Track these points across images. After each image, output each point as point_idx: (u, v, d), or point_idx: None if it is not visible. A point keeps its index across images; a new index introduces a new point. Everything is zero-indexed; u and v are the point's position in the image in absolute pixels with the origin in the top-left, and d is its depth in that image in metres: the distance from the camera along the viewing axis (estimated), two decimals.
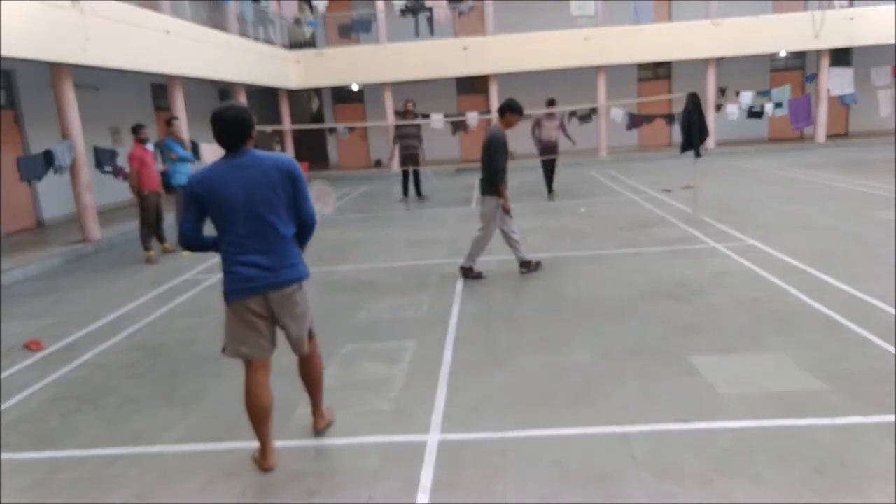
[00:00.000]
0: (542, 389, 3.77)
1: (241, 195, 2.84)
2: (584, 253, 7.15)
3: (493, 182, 6.10)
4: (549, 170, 11.59)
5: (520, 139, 19.91)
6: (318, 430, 3.38)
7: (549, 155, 11.54)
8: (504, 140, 6.11)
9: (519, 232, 6.53)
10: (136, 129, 8.42)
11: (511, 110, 6.04)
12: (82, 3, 8.95)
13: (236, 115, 2.87)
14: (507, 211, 6.21)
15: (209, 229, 2.98)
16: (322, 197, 4.01)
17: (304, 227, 3.05)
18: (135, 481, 3.08)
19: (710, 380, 3.73)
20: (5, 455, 3.43)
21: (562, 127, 11.71)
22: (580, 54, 18.16)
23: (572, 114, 17.61)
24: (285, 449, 3.28)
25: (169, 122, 9.24)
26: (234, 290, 2.93)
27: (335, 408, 3.71)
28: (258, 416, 3.03)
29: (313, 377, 3.32)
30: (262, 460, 3.09)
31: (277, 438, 3.37)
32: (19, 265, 8.06)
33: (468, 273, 6.34)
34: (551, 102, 11.60)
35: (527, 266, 6.41)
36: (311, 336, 3.25)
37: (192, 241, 3.00)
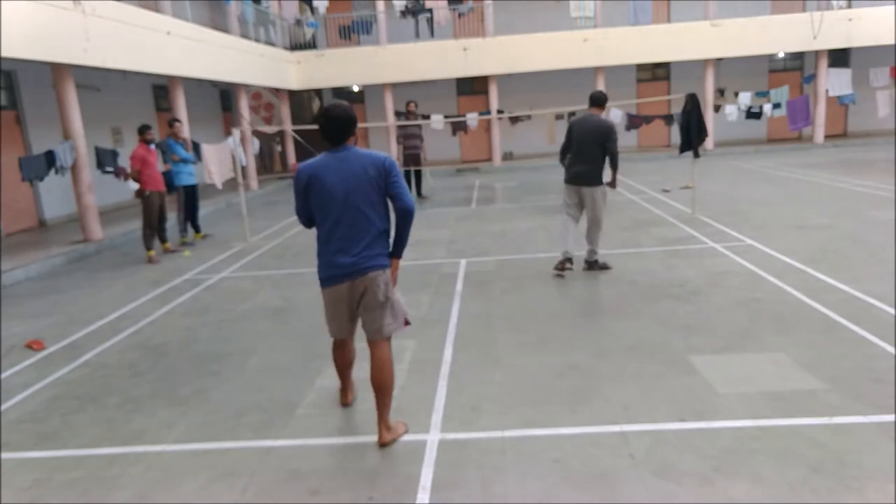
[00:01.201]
0: (542, 389, 3.78)
1: (339, 185, 3.09)
2: (583, 253, 7.15)
3: (600, 172, 6.10)
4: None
5: (519, 140, 20.10)
6: (384, 443, 3.22)
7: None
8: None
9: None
10: (143, 130, 8.46)
11: (601, 103, 6.31)
12: (83, 4, 8.97)
13: (344, 113, 3.13)
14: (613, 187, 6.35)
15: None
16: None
17: (404, 213, 3.16)
18: (135, 481, 3.09)
19: (709, 379, 3.74)
20: (6, 454, 3.44)
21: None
22: (579, 55, 18.19)
23: (571, 114, 17.62)
24: (285, 448, 3.29)
25: (171, 123, 9.28)
26: (327, 276, 3.22)
27: (335, 406, 3.72)
28: (342, 368, 3.60)
29: (382, 382, 3.24)
30: (343, 396, 3.72)
31: (278, 438, 3.40)
32: (21, 265, 8.07)
33: (594, 265, 6.38)
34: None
35: (592, 265, 6.42)
36: (396, 327, 3.32)
37: (310, 223, 3.27)
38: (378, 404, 3.24)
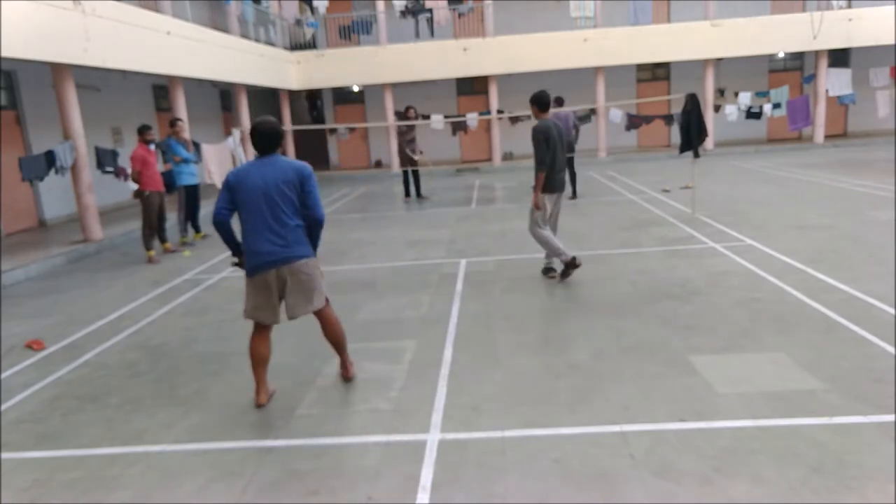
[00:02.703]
0: (542, 389, 3.78)
1: (259, 183, 3.55)
2: (583, 253, 7.15)
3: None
4: (571, 170, 11.12)
5: (519, 140, 20.08)
6: (348, 378, 4.02)
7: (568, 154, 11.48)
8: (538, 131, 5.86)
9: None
10: (142, 130, 8.46)
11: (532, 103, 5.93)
12: (83, 4, 8.97)
13: (271, 128, 3.63)
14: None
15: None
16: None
17: (313, 223, 3.68)
18: (135, 481, 3.09)
19: (709, 379, 3.74)
20: (6, 454, 3.44)
21: (575, 126, 11.68)
22: (579, 55, 18.19)
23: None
24: (286, 448, 3.29)
25: (172, 122, 9.28)
26: (253, 266, 3.62)
27: (335, 406, 3.73)
28: (258, 362, 3.78)
29: (337, 337, 3.94)
30: (257, 396, 3.78)
31: (278, 438, 3.40)
32: (21, 265, 8.06)
33: (550, 271, 6.31)
34: (559, 101, 11.60)
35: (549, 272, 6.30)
36: (326, 303, 3.84)
37: (222, 224, 3.61)
38: (339, 351, 4.02)
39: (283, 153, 3.80)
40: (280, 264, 3.60)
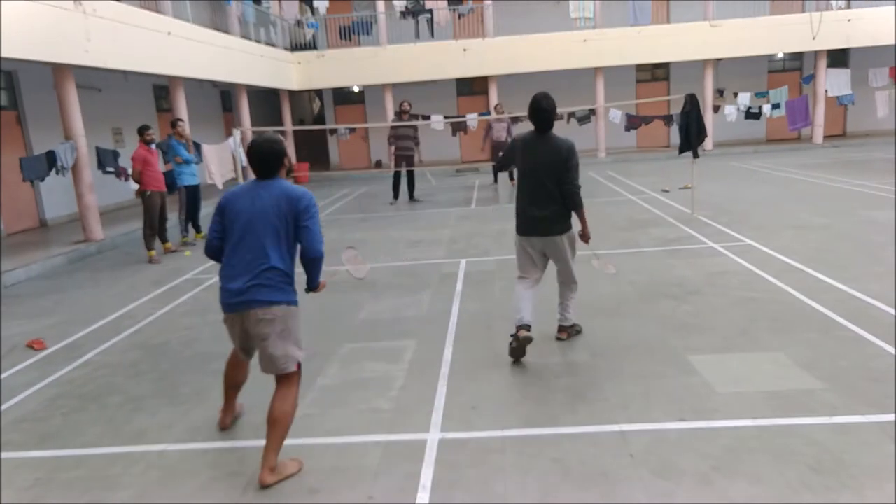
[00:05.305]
0: (542, 388, 3.79)
1: (247, 209, 3.00)
2: (582, 253, 7.16)
3: (568, 213, 4.29)
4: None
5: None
6: (265, 485, 2.92)
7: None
8: None
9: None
10: (142, 131, 8.47)
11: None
12: (84, 5, 8.98)
13: (270, 149, 3.06)
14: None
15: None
16: (354, 262, 4.05)
17: (309, 261, 3.06)
18: (136, 480, 3.10)
19: (708, 379, 3.75)
20: (7, 454, 3.45)
21: (508, 128, 12.26)
22: (579, 55, 18.20)
23: (571, 115, 17.66)
24: (285, 448, 3.29)
25: (174, 123, 9.29)
26: (222, 302, 3.07)
27: (335, 406, 3.73)
28: (230, 386, 3.51)
29: (280, 417, 2.98)
30: (221, 418, 3.56)
31: None
32: (22, 265, 8.07)
33: (571, 329, 4.60)
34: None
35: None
36: (297, 368, 3.06)
37: (213, 250, 3.13)
38: (268, 439, 2.98)
39: (289, 174, 3.21)
40: (243, 308, 2.97)
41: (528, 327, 4.15)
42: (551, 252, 4.35)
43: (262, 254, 2.95)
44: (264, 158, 3.04)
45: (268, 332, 2.97)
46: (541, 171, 4.20)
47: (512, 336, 4.21)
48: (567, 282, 4.48)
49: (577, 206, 4.21)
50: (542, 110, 4.14)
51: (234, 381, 3.49)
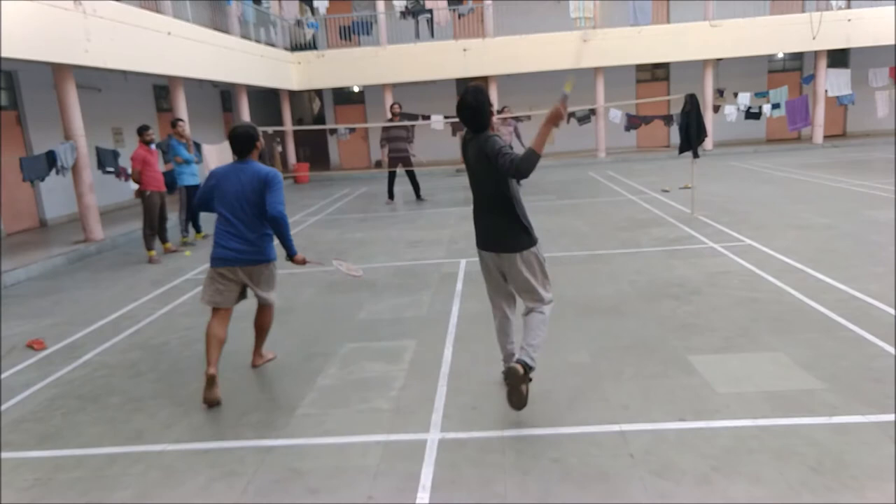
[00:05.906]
0: (541, 388, 3.78)
1: (237, 188, 3.92)
2: (582, 253, 7.18)
3: (525, 224, 3.54)
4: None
5: (517, 141, 20.02)
6: (256, 365, 4.41)
7: None
8: None
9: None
10: (142, 131, 8.47)
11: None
12: (84, 4, 8.98)
13: (245, 132, 3.97)
14: None
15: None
16: (345, 266, 4.43)
17: (272, 220, 3.92)
18: (136, 480, 3.10)
19: (708, 379, 3.75)
20: (7, 454, 3.45)
21: (516, 131, 12.36)
22: (579, 56, 18.19)
23: (571, 115, 17.64)
24: (286, 448, 3.30)
25: (174, 123, 9.29)
26: (219, 257, 3.97)
27: (335, 406, 3.74)
28: (213, 343, 3.94)
29: (265, 325, 4.33)
30: (207, 390, 3.84)
31: (278, 437, 3.41)
32: (22, 265, 8.08)
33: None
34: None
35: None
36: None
37: (205, 203, 4.04)
38: (257, 340, 4.38)
39: (261, 156, 4.15)
40: (245, 264, 3.99)
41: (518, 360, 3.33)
42: (508, 273, 3.54)
43: (251, 221, 3.92)
44: (239, 140, 3.95)
45: (266, 278, 4.12)
46: (477, 174, 3.64)
47: (503, 373, 3.62)
48: (534, 308, 3.48)
49: (526, 160, 3.19)
50: (467, 107, 3.45)
51: (217, 337, 4.00)
